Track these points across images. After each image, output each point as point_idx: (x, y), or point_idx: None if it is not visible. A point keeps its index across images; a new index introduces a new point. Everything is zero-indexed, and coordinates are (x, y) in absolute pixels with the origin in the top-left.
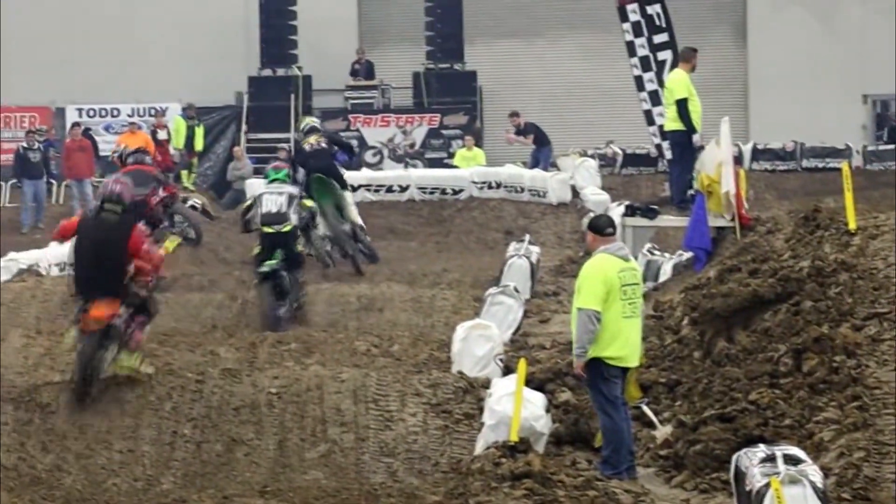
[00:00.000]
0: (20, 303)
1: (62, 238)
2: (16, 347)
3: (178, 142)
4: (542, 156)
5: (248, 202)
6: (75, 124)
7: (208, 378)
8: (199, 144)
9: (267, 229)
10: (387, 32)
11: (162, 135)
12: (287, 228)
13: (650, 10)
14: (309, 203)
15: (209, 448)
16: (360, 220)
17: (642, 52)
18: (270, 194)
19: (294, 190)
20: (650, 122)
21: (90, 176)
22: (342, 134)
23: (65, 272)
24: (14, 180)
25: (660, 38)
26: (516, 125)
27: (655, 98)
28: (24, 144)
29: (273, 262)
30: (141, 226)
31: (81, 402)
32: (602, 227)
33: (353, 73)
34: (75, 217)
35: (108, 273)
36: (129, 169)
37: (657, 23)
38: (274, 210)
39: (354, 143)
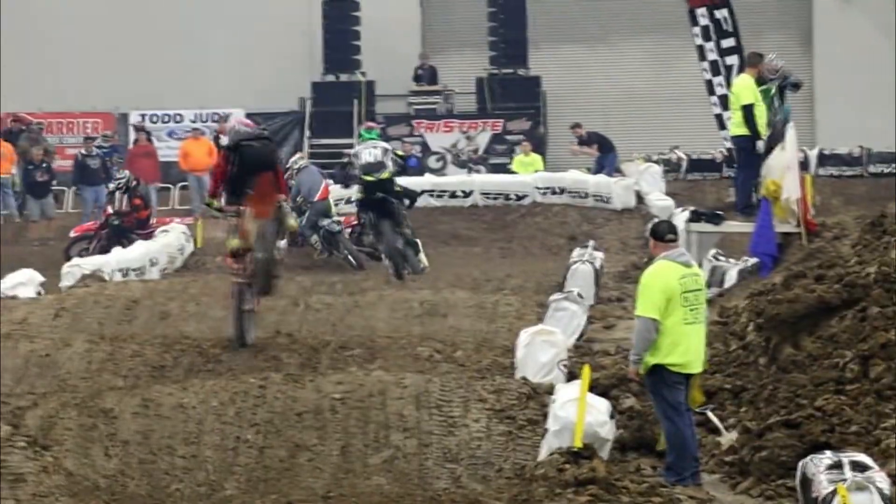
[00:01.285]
0: (84, 308)
1: None
2: (79, 352)
3: None
4: (607, 161)
5: (345, 160)
6: (140, 129)
7: (271, 383)
8: None
9: (368, 178)
10: (450, 37)
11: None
12: (386, 175)
13: (718, 14)
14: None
15: (272, 453)
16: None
17: (711, 56)
18: (367, 149)
19: (387, 144)
20: (721, 126)
21: (155, 181)
22: (406, 140)
23: (128, 277)
24: (75, 187)
25: (727, 42)
26: (579, 136)
27: (725, 102)
28: (83, 151)
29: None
30: None
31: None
32: (663, 234)
33: (417, 79)
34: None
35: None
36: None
37: (724, 27)
38: (373, 160)
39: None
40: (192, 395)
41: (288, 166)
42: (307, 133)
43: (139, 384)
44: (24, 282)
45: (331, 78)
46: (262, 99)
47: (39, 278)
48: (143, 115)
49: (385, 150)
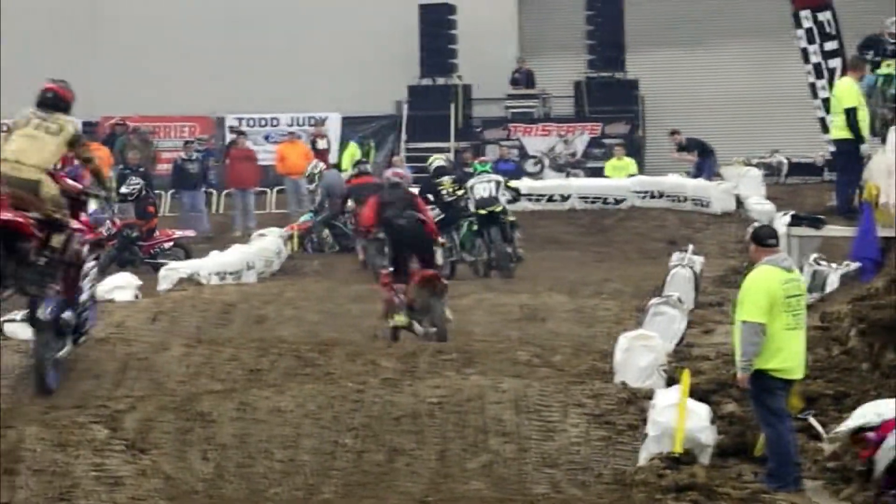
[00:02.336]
0: (180, 312)
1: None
2: (176, 356)
3: (348, 164)
4: (706, 165)
5: (461, 192)
6: (240, 133)
7: (369, 388)
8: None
9: (482, 211)
10: (547, 41)
11: (321, 144)
12: (499, 209)
13: (821, 17)
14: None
15: (370, 458)
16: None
17: (815, 59)
18: (482, 183)
19: (500, 177)
20: (824, 129)
21: (254, 185)
22: (503, 144)
23: (224, 281)
24: (173, 190)
25: (830, 45)
26: (678, 143)
27: (828, 106)
28: (182, 155)
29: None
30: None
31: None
32: (764, 238)
33: (514, 82)
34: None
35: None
36: (359, 181)
37: (828, 30)
38: (487, 195)
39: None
40: (290, 398)
41: (310, 172)
42: (403, 137)
43: (236, 388)
44: (122, 285)
45: (427, 82)
46: (359, 103)
47: (137, 282)
48: (239, 119)
49: (498, 184)
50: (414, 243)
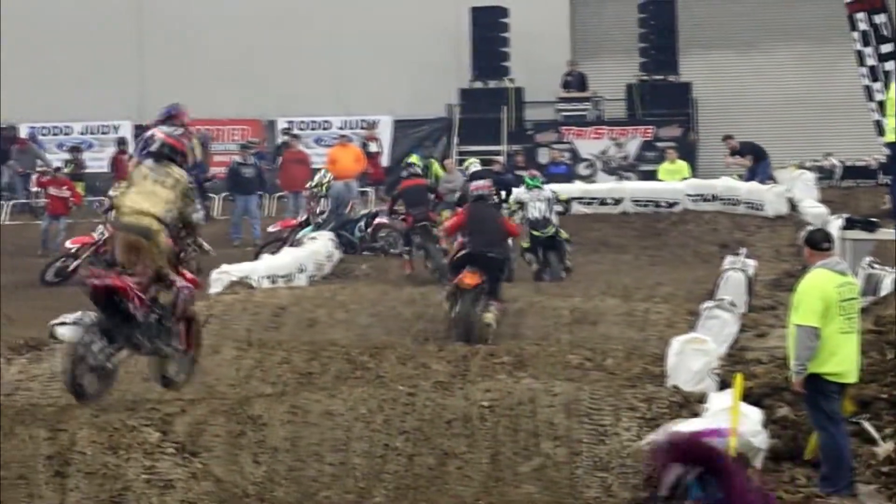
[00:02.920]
0: (231, 315)
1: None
2: (227, 359)
3: None
4: (760, 169)
5: (513, 207)
6: (293, 136)
7: (420, 391)
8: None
9: (535, 232)
10: (599, 44)
11: (373, 147)
12: (551, 231)
13: (877, 19)
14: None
15: (421, 461)
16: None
17: (870, 61)
18: (533, 202)
19: (549, 193)
20: (880, 132)
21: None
22: (555, 147)
23: (275, 284)
24: (226, 193)
25: (886, 47)
26: (732, 148)
27: (884, 109)
28: (238, 160)
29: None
30: None
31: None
32: (818, 242)
33: (566, 85)
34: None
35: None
36: (409, 184)
37: (883, 32)
38: (539, 217)
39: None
40: (341, 402)
41: (318, 181)
42: (455, 140)
43: (287, 391)
44: None
45: (479, 85)
46: (410, 105)
47: None
48: (290, 122)
49: (548, 202)
50: (490, 270)
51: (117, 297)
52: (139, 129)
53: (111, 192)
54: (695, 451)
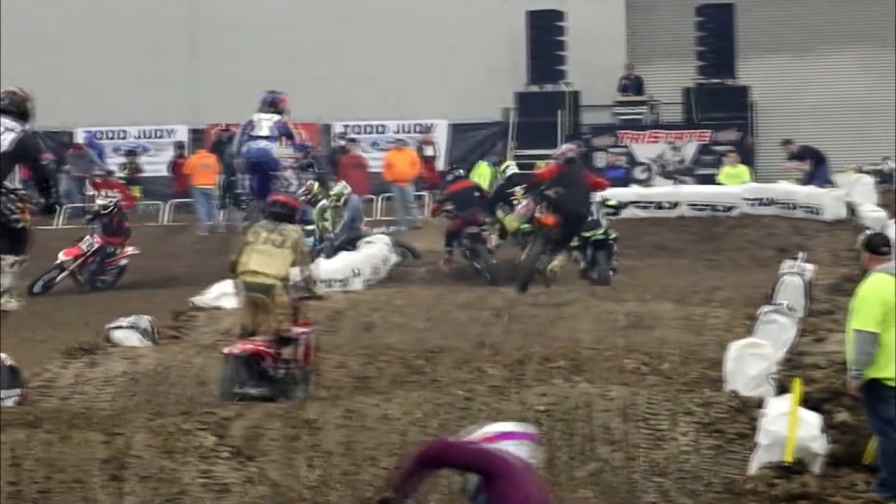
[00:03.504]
0: None
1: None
2: None
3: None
4: (818, 172)
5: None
6: (350, 140)
7: (476, 395)
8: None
9: (586, 234)
10: (656, 47)
11: (429, 151)
12: (601, 233)
13: None
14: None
15: None
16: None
17: None
18: None
19: (598, 197)
20: None
21: (365, 192)
22: (611, 150)
23: (331, 288)
24: None
25: None
26: (790, 152)
27: None
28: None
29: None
30: None
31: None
32: (877, 246)
33: (622, 89)
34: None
35: None
36: (457, 187)
37: None
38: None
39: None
40: (396, 406)
41: (338, 191)
42: (511, 143)
43: (342, 395)
44: (229, 292)
45: (535, 88)
46: (466, 109)
47: None
48: (346, 126)
49: (597, 206)
50: (569, 222)
51: (254, 358)
52: (195, 133)
53: (231, 257)
54: (468, 458)
